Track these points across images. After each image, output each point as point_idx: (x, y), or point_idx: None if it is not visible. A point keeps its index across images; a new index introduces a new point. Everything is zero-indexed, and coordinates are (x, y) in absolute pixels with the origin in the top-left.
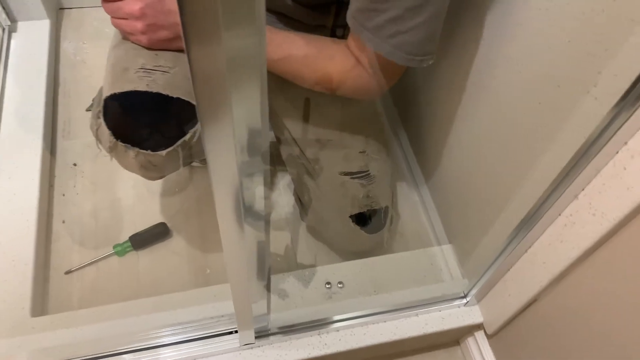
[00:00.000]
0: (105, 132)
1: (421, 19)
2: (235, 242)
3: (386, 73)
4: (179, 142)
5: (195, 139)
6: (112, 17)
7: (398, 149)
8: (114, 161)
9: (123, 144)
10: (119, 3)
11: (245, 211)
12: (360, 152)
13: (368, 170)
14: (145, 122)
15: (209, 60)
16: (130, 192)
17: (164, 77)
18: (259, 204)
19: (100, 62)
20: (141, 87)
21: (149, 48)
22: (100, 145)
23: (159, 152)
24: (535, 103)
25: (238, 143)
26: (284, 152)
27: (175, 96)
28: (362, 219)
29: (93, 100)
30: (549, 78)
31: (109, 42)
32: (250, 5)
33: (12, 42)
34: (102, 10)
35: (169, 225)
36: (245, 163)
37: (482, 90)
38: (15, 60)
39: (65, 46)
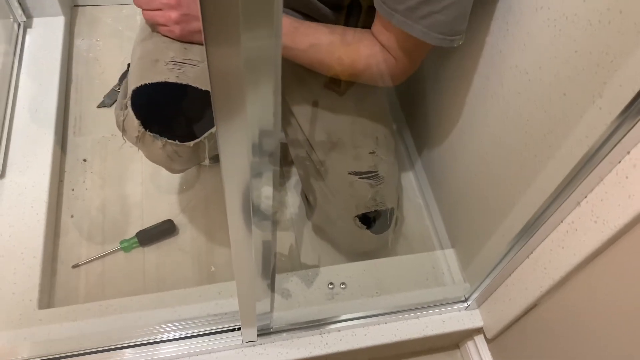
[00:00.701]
0: (133, 122)
1: None
2: (243, 240)
3: (412, 56)
4: (206, 133)
5: None
6: (144, 9)
7: (404, 151)
8: (123, 158)
9: (151, 134)
10: None
11: (254, 210)
12: (371, 153)
13: (377, 171)
14: (169, 115)
15: (227, 60)
16: (138, 188)
17: (194, 70)
18: (267, 204)
19: (112, 59)
20: (172, 78)
21: (179, 40)
22: (125, 137)
23: (186, 143)
24: (541, 111)
25: (250, 142)
26: (293, 151)
27: (204, 89)
28: (368, 220)
29: (104, 97)
30: (555, 87)
31: (121, 40)
32: (268, 8)
33: (27, 37)
34: (115, 8)
35: (175, 222)
36: (255, 162)
37: (489, 96)
38: (30, 56)
39: (79, 43)
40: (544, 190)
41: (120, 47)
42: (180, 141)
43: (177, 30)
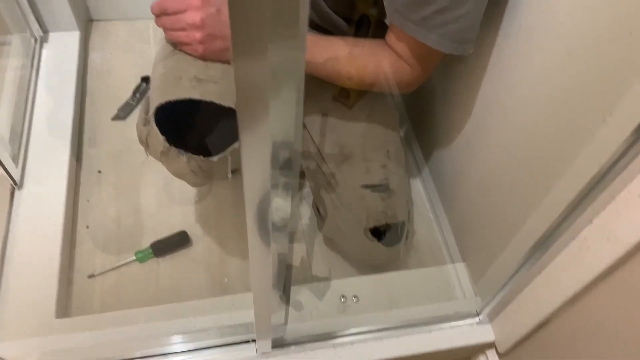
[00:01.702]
0: (158, 138)
1: (466, 8)
2: (261, 253)
3: (426, 63)
4: (229, 148)
5: None
6: (168, 29)
7: (412, 163)
8: (137, 169)
9: (176, 149)
10: (179, 15)
11: (273, 222)
12: (382, 166)
13: (388, 184)
14: (193, 131)
15: (253, 71)
16: (152, 199)
17: (216, 87)
18: (286, 216)
19: (126, 73)
20: (195, 95)
21: (201, 58)
22: (148, 152)
23: (210, 158)
24: (553, 128)
25: (272, 153)
26: (304, 163)
27: (226, 105)
28: (379, 232)
29: (119, 110)
30: (567, 103)
31: (135, 54)
32: (294, 21)
33: (44, 51)
34: (128, 23)
35: (189, 233)
36: (276, 174)
37: (500, 111)
38: (46, 70)
39: (93, 56)
40: (555, 206)
41: (134, 60)
42: (204, 156)
43: (200, 49)
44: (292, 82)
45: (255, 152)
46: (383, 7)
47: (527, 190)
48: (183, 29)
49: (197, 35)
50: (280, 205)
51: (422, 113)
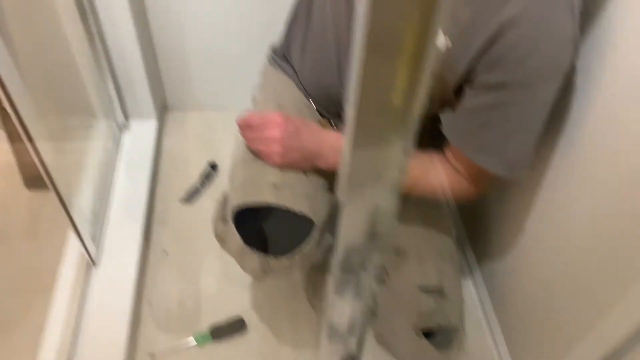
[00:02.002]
0: (235, 237)
1: (521, 137)
2: (333, 352)
3: (482, 182)
4: (296, 250)
5: (310, 251)
6: (250, 140)
7: (464, 263)
8: (200, 251)
9: (250, 249)
10: (262, 130)
11: (352, 320)
12: (436, 269)
13: (442, 288)
14: (266, 232)
15: (363, 165)
16: (212, 282)
17: (290, 193)
18: (365, 316)
19: (195, 159)
20: (272, 200)
21: (278, 167)
22: (223, 247)
23: (281, 259)
24: (615, 249)
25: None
26: None
27: (298, 210)
28: (431, 334)
29: (187, 194)
30: (627, 227)
31: (204, 142)
32: (408, 122)
33: (124, 137)
34: (200, 113)
35: (245, 319)
36: (364, 274)
37: (554, 225)
38: (126, 154)
39: (167, 142)
40: (615, 332)
41: (202, 148)
42: (275, 257)
43: (278, 160)
44: (396, 177)
45: (350, 244)
46: (436, 108)
47: (583, 307)
48: (264, 142)
49: (277, 148)
50: (358, 305)
51: (475, 216)
